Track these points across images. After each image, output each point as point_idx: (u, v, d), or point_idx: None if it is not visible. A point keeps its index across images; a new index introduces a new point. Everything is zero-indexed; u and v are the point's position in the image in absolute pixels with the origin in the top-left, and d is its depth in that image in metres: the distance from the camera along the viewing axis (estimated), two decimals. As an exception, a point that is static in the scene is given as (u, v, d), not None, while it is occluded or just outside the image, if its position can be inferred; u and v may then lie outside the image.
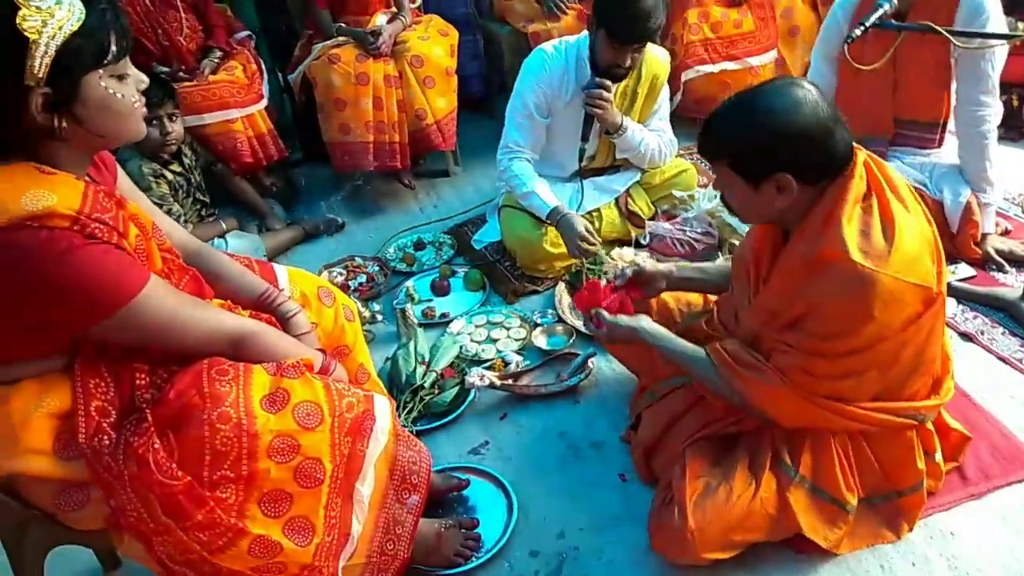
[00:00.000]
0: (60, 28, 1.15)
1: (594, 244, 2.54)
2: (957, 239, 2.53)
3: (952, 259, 2.54)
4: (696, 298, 2.00)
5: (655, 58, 2.70)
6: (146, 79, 1.33)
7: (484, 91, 4.08)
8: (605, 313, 1.80)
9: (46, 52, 1.14)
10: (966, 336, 2.26)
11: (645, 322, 1.77)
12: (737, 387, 1.61)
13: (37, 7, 1.14)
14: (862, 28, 2.30)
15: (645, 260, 1.97)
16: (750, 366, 1.59)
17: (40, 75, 1.15)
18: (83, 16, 1.18)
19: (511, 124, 2.71)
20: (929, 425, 1.67)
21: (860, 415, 1.55)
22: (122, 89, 1.26)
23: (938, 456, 1.69)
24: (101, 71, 1.22)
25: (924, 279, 1.45)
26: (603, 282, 1.89)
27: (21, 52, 1.13)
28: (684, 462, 1.69)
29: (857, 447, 1.64)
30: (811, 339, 1.50)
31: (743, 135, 1.47)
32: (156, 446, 1.22)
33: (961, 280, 2.45)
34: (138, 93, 1.30)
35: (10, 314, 1.21)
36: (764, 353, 1.60)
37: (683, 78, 3.50)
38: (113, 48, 1.23)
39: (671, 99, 3.29)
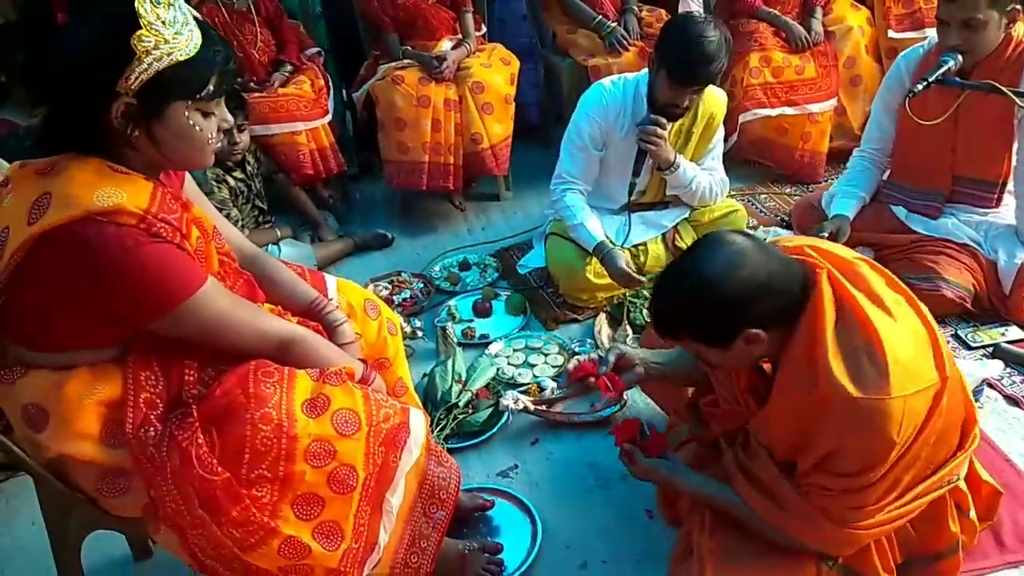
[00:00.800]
0: (169, 54, 1.21)
1: (637, 279, 2.57)
2: (1009, 301, 2.48)
3: (1002, 321, 2.49)
4: None
5: (713, 98, 2.71)
6: (231, 121, 1.39)
7: (541, 119, 4.14)
8: (640, 453, 1.76)
9: (146, 70, 1.21)
10: (1012, 400, 2.21)
11: (679, 469, 1.74)
12: (782, 531, 1.54)
13: (157, 31, 1.20)
14: (924, 83, 2.29)
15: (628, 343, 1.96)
16: (793, 508, 1.51)
17: (132, 87, 1.21)
18: (195, 51, 1.24)
19: (566, 154, 2.75)
20: (962, 484, 1.64)
21: (906, 512, 1.51)
22: (204, 124, 1.31)
23: (972, 514, 1.66)
24: (190, 102, 1.28)
25: (926, 381, 1.40)
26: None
27: (125, 62, 1.20)
28: (705, 514, 1.67)
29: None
30: (845, 479, 1.45)
31: (697, 312, 1.42)
32: (199, 441, 1.27)
33: (1010, 342, 2.40)
34: (218, 132, 1.35)
35: (72, 304, 1.27)
36: (796, 482, 1.53)
37: (740, 120, 3.50)
38: (210, 87, 1.28)
39: (727, 140, 3.30)
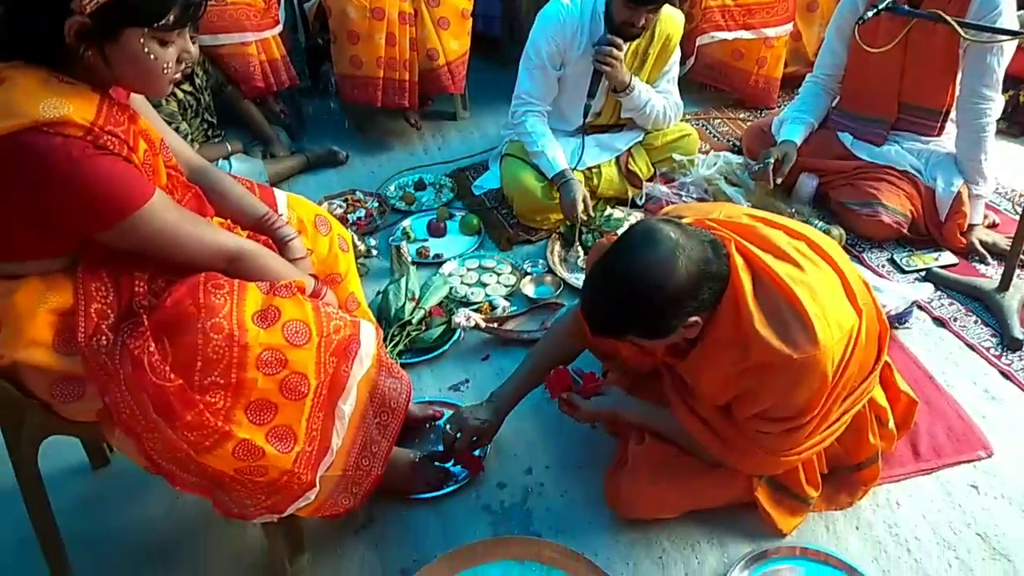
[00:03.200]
0: None
1: (585, 215, 2.62)
2: (944, 227, 2.58)
3: (936, 246, 2.60)
4: None
5: (670, 19, 2.71)
6: (193, 52, 1.34)
7: (503, 32, 4.07)
8: (579, 398, 1.78)
9: None
10: (939, 321, 2.33)
11: (621, 400, 1.78)
12: (722, 457, 1.64)
13: None
14: (875, 10, 2.32)
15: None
16: (732, 443, 1.60)
17: (87, 7, 1.19)
18: None
19: (524, 74, 2.74)
20: (881, 398, 1.75)
21: (834, 432, 1.62)
22: (160, 52, 1.28)
23: (891, 424, 1.78)
24: (147, 30, 1.25)
25: (847, 324, 1.47)
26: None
27: None
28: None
29: None
30: (783, 422, 1.54)
31: (642, 316, 1.42)
32: (151, 349, 1.29)
33: (943, 267, 2.51)
34: (175, 63, 1.32)
35: (19, 212, 1.27)
36: (733, 418, 1.61)
37: (697, 43, 3.50)
38: (171, 17, 1.25)
39: (683, 63, 3.32)
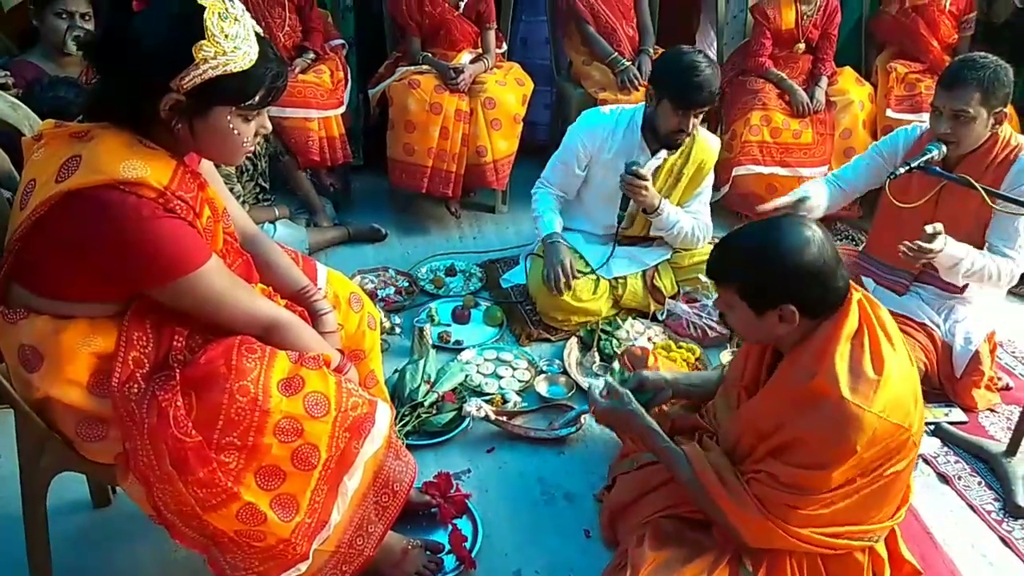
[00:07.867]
0: (225, 65, 1.32)
1: (566, 283, 2.72)
2: (958, 384, 2.59)
3: (948, 401, 2.62)
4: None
5: (705, 145, 2.86)
6: (268, 127, 1.49)
7: (550, 140, 4.24)
8: (598, 396, 1.93)
9: (200, 75, 1.31)
10: (943, 477, 2.33)
11: (639, 415, 1.88)
12: (712, 500, 1.68)
13: (219, 43, 1.31)
14: (906, 167, 2.42)
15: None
16: (731, 487, 1.66)
17: (185, 86, 1.32)
18: (249, 65, 1.35)
19: (551, 165, 2.97)
20: (883, 552, 1.75)
21: (821, 542, 1.64)
22: (242, 128, 1.42)
23: None
24: (234, 108, 1.39)
25: (906, 420, 1.54)
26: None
27: (184, 65, 1.30)
28: (644, 533, 1.78)
29: (812, 563, 1.71)
30: (794, 470, 1.58)
31: (754, 266, 1.59)
32: (178, 404, 1.35)
33: (952, 423, 2.52)
34: (254, 137, 1.46)
35: (83, 260, 1.36)
36: (742, 470, 1.67)
37: (733, 172, 3.63)
38: (256, 99, 1.39)
39: (719, 190, 3.44)
